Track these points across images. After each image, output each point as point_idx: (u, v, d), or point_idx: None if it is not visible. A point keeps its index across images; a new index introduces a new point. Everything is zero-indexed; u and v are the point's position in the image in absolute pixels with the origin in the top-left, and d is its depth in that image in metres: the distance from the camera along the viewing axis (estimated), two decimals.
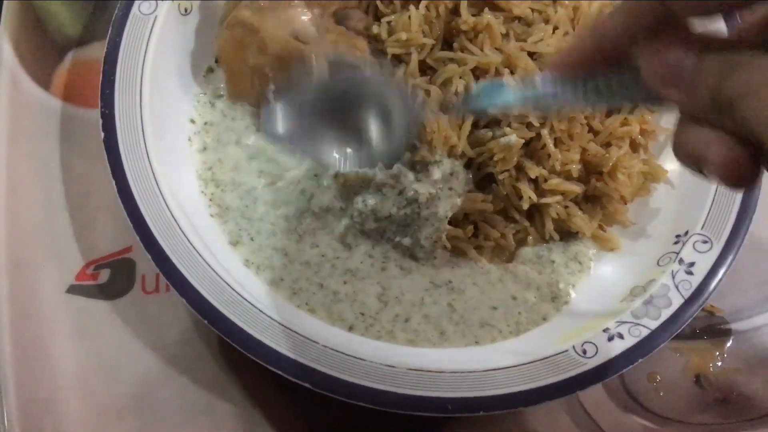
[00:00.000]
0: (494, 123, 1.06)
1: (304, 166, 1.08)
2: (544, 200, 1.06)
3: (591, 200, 1.11)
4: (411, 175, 1.03)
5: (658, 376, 1.04)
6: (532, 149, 1.06)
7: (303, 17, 1.08)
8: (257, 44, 1.06)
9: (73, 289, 1.02)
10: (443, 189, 1.03)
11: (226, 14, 1.10)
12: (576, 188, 1.07)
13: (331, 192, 1.05)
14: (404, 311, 1.02)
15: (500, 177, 1.05)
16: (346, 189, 1.05)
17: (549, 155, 1.05)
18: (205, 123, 1.10)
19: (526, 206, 1.06)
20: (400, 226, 1.05)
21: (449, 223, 1.05)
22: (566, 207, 1.08)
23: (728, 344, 1.07)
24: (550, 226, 1.07)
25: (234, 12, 1.08)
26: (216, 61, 1.14)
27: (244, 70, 1.09)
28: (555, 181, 1.06)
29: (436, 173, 1.03)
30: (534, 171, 1.05)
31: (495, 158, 1.04)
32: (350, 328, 0.99)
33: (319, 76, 1.00)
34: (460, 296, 1.04)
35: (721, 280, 0.99)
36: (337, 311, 1.00)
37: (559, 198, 1.07)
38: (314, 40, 1.07)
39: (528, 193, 1.05)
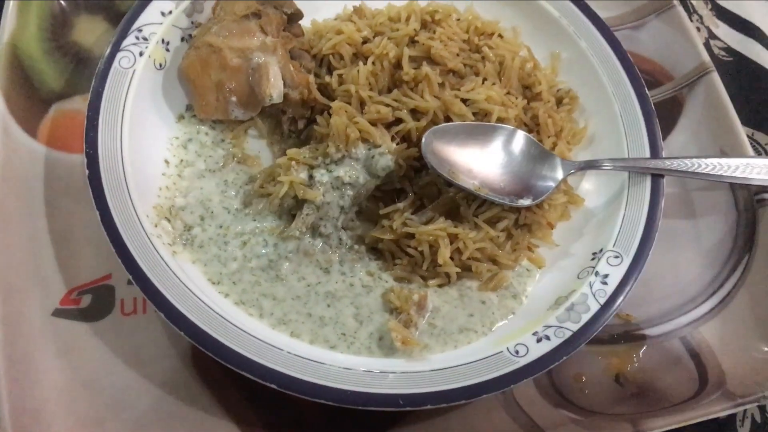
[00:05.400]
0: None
1: (267, 221, 1.23)
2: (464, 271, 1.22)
3: (521, 227, 1.27)
4: (326, 175, 1.20)
5: (583, 377, 1.18)
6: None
7: (259, 41, 1.25)
8: (219, 61, 1.23)
9: (58, 313, 1.12)
10: (357, 167, 1.21)
11: (196, 39, 1.27)
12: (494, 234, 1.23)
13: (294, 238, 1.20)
14: (378, 329, 1.15)
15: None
16: (288, 209, 1.23)
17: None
18: (180, 161, 1.24)
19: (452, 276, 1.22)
20: (348, 213, 1.22)
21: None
22: (489, 255, 1.23)
23: (643, 348, 1.22)
24: (477, 270, 1.22)
25: (203, 37, 1.24)
26: (186, 108, 1.29)
27: (208, 85, 1.25)
28: (474, 247, 1.20)
29: (348, 162, 1.21)
30: (448, 252, 1.19)
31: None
32: (332, 348, 1.12)
33: None
34: (438, 314, 1.18)
35: (631, 287, 1.14)
36: (322, 335, 1.13)
37: (478, 263, 1.21)
38: (268, 58, 1.24)
39: (450, 269, 1.20)
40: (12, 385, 1.04)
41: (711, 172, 1.25)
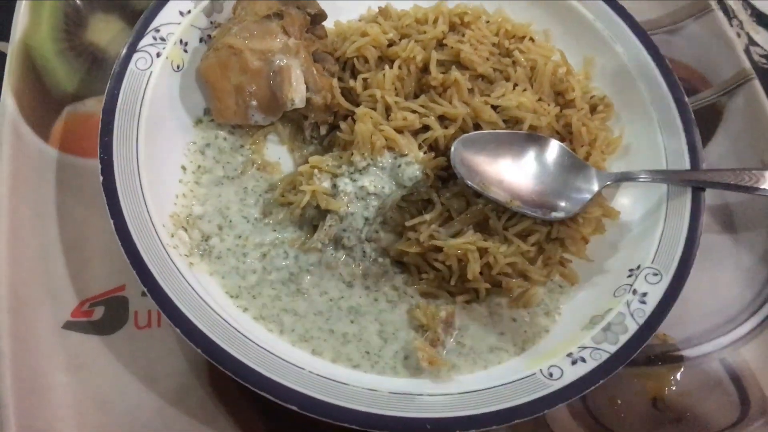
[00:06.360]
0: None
1: (287, 232, 1.18)
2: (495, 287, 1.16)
3: (553, 241, 1.21)
4: (350, 185, 1.15)
5: (619, 400, 1.12)
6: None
7: (281, 43, 1.20)
8: (240, 64, 1.18)
9: (69, 325, 1.07)
10: (383, 177, 1.16)
11: (216, 40, 1.22)
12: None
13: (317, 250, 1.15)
14: (403, 348, 1.10)
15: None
16: (310, 219, 1.18)
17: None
18: (198, 167, 1.19)
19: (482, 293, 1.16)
20: (372, 225, 1.16)
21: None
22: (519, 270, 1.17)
23: (680, 370, 1.16)
24: (507, 285, 1.16)
25: (223, 38, 1.19)
26: (204, 112, 1.24)
27: (228, 88, 1.19)
28: (504, 261, 1.14)
29: (373, 171, 1.16)
30: (477, 266, 1.13)
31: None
32: (356, 367, 1.06)
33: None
34: (466, 332, 1.12)
35: (671, 307, 1.08)
36: (345, 353, 1.08)
37: (508, 279, 1.16)
38: (290, 61, 1.19)
39: (479, 284, 1.14)
40: (20, 402, 0.98)
41: (754, 185, 1.18)
